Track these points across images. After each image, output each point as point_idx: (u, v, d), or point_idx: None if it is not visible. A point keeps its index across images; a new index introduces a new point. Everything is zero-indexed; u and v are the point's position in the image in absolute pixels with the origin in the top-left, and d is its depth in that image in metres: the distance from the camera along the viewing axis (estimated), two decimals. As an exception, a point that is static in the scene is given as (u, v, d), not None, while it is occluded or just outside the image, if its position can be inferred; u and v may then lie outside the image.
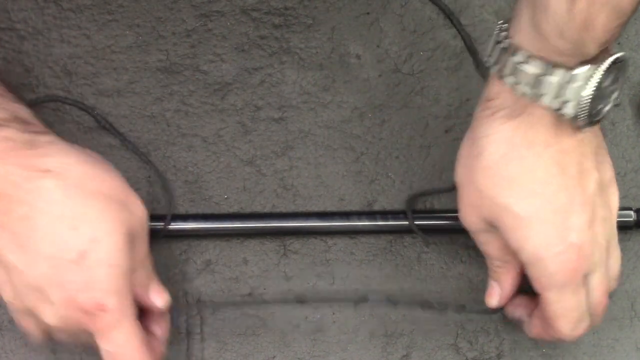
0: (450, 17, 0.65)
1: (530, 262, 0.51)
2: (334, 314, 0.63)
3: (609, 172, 0.53)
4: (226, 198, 0.63)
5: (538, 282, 0.51)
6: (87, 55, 0.63)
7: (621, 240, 0.64)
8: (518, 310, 0.58)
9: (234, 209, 0.63)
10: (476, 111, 0.52)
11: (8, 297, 0.50)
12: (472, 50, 0.65)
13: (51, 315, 0.49)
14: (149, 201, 0.62)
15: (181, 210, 0.63)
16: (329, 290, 0.63)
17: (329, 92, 0.64)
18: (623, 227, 0.63)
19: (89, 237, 0.48)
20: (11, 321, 0.61)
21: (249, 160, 0.63)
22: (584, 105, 0.47)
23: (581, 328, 0.53)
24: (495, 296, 0.57)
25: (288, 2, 0.65)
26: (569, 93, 0.46)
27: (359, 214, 0.62)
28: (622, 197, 0.65)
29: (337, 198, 0.64)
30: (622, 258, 0.63)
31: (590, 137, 0.51)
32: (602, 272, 0.53)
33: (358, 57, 0.65)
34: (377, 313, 0.63)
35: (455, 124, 0.65)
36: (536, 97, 0.47)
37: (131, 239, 0.50)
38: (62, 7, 0.64)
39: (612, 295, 0.64)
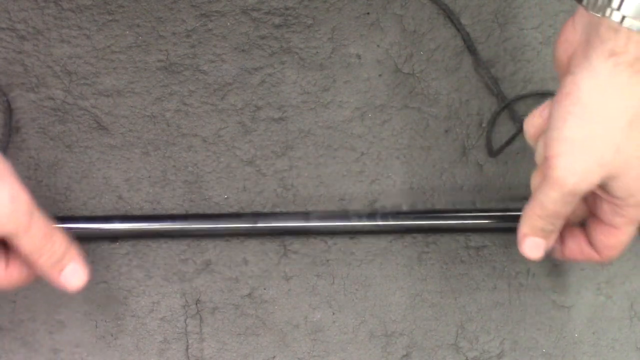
0: (451, 17, 0.65)
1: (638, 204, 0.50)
2: (333, 314, 0.63)
3: None
4: (226, 198, 0.63)
5: (629, 219, 0.51)
6: (87, 55, 0.63)
7: (621, 240, 0.65)
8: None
9: (234, 209, 0.63)
10: (596, 70, 0.48)
11: None
12: (472, 50, 0.65)
13: None
14: (148, 201, 0.63)
15: (181, 210, 0.63)
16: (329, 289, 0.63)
17: (329, 92, 0.64)
18: (623, 227, 0.63)
19: None
20: (11, 321, 0.61)
21: (249, 160, 0.63)
22: None
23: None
24: (542, 251, 0.55)
25: (288, 2, 0.65)
26: None
27: (359, 214, 0.63)
28: (622, 197, 0.65)
29: (337, 198, 0.64)
30: (621, 257, 0.63)
31: None
32: None
33: (358, 57, 0.65)
34: (377, 313, 0.63)
35: (455, 124, 0.65)
36: None
37: None
38: (62, 7, 0.63)
39: (611, 295, 0.64)
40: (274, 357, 0.63)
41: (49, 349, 0.61)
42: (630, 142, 0.48)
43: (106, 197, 0.63)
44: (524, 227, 0.54)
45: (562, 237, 0.56)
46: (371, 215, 0.62)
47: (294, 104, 0.64)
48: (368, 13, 0.65)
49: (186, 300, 0.62)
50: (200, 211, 0.63)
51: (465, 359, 0.63)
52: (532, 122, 0.54)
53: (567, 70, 0.50)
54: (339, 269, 0.63)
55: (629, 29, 0.45)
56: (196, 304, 0.62)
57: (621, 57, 0.46)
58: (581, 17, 0.49)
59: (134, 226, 0.61)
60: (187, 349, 0.62)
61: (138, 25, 0.64)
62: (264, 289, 0.63)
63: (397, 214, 0.63)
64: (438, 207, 0.64)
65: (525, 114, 0.65)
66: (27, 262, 0.53)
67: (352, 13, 0.65)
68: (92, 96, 0.63)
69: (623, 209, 0.51)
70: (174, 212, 0.63)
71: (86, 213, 0.62)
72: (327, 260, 0.63)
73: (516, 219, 0.63)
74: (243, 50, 0.64)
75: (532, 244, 0.54)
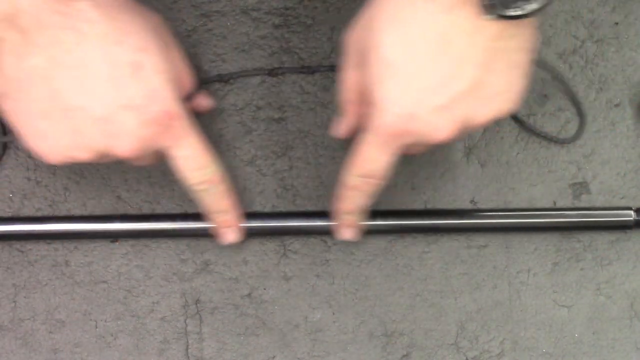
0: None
1: (371, 103, 0.51)
2: (333, 314, 0.63)
3: (498, 85, 0.49)
4: (226, 198, 0.63)
5: (366, 119, 0.52)
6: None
7: (621, 240, 0.65)
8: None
9: (234, 209, 0.63)
10: None
11: (72, 147, 0.49)
12: (472, 50, 0.65)
13: (126, 145, 0.49)
14: (148, 201, 0.63)
15: (181, 210, 0.63)
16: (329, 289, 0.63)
17: (329, 92, 0.64)
18: (622, 227, 0.63)
19: (136, 47, 0.48)
20: (11, 321, 0.61)
21: (249, 161, 0.63)
22: None
23: (363, 181, 0.55)
24: (339, 126, 0.60)
25: (288, 2, 0.64)
26: None
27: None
28: (622, 197, 0.65)
29: (337, 198, 0.64)
30: (621, 257, 0.63)
31: (509, 37, 0.48)
32: (411, 150, 0.55)
33: (358, 57, 0.65)
34: (377, 313, 0.63)
35: (455, 124, 0.65)
36: None
37: (165, 45, 0.52)
38: (61, 6, 0.63)
39: (611, 295, 0.64)
40: (274, 357, 0.63)
41: (48, 349, 0.61)
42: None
43: (105, 197, 0.63)
44: None
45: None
46: (371, 215, 0.62)
47: (294, 104, 0.64)
48: (368, 13, 0.65)
49: (186, 300, 0.62)
50: (200, 211, 0.63)
51: (465, 358, 0.63)
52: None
53: None
54: (339, 269, 0.63)
55: None
56: (196, 304, 0.62)
57: None
58: None
59: (133, 226, 0.61)
60: (187, 349, 0.62)
61: (138, 25, 0.64)
62: (264, 289, 0.63)
63: (397, 214, 0.63)
64: (438, 207, 0.64)
65: (525, 114, 0.65)
66: None
67: (351, 13, 0.65)
68: (92, 96, 0.63)
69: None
70: (174, 212, 0.63)
71: (85, 213, 0.62)
72: (327, 260, 0.63)
73: (516, 218, 0.63)
74: (243, 50, 0.64)
75: (337, 123, 0.61)
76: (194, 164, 0.54)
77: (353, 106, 0.56)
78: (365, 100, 0.53)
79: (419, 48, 0.48)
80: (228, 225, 0.59)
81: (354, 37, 0.53)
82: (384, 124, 0.50)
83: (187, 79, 0.57)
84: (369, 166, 0.53)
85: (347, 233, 0.60)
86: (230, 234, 0.60)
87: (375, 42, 0.49)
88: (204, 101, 0.61)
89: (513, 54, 0.49)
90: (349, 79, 0.55)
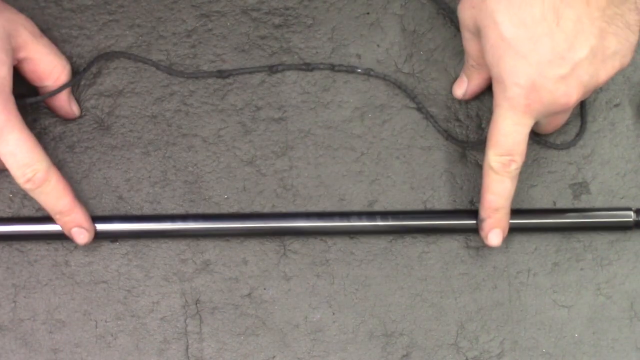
0: (451, 17, 0.65)
1: (495, 79, 0.55)
2: (334, 314, 0.63)
3: (613, 46, 0.53)
4: (226, 198, 0.63)
5: (495, 96, 0.56)
6: (88, 55, 0.63)
7: (621, 240, 0.65)
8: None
9: (234, 209, 0.63)
10: None
11: None
12: (472, 50, 0.65)
13: None
14: (149, 201, 0.63)
15: (181, 210, 0.63)
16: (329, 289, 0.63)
17: (329, 92, 0.64)
18: (622, 228, 0.63)
19: None
20: (11, 321, 0.61)
21: (249, 161, 0.63)
22: None
23: (502, 161, 0.58)
24: (462, 88, 0.63)
25: (288, 2, 0.65)
26: None
27: (359, 214, 0.62)
28: (622, 197, 0.65)
29: (337, 198, 0.64)
30: (621, 257, 0.63)
31: (619, 3, 0.52)
32: (549, 123, 0.60)
33: (358, 57, 0.65)
34: (377, 313, 0.63)
35: (455, 125, 0.65)
36: None
37: (6, 43, 0.54)
38: (62, 7, 0.64)
39: (611, 295, 0.64)
40: (274, 357, 0.63)
41: (49, 349, 0.61)
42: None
43: (106, 197, 0.63)
44: None
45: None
46: (371, 215, 0.62)
47: (294, 104, 0.64)
48: (368, 13, 0.65)
49: (186, 300, 0.62)
50: (200, 211, 0.63)
51: (465, 358, 0.63)
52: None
53: None
54: (339, 269, 0.63)
55: None
56: (196, 304, 0.62)
57: None
58: None
59: (133, 226, 0.61)
60: (187, 349, 0.62)
61: (138, 25, 0.64)
62: (264, 289, 0.63)
63: (397, 214, 0.63)
64: (438, 207, 0.64)
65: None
66: None
67: (352, 13, 0.65)
68: (92, 96, 0.63)
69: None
70: (174, 212, 0.63)
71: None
72: (327, 260, 0.63)
73: (516, 218, 0.63)
74: (243, 50, 0.64)
75: (458, 81, 0.64)
76: (20, 160, 0.54)
77: (477, 71, 0.61)
78: (486, 68, 0.58)
79: (534, 25, 0.51)
80: (72, 226, 0.58)
81: (468, 13, 0.56)
82: (511, 96, 0.53)
83: (45, 73, 0.58)
84: (506, 141, 0.56)
85: (494, 236, 0.60)
86: (78, 236, 0.59)
87: (490, 22, 0.53)
88: (74, 106, 0.62)
89: (625, 16, 0.52)
90: (471, 49, 0.59)
